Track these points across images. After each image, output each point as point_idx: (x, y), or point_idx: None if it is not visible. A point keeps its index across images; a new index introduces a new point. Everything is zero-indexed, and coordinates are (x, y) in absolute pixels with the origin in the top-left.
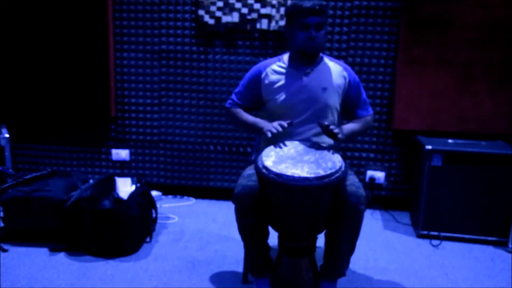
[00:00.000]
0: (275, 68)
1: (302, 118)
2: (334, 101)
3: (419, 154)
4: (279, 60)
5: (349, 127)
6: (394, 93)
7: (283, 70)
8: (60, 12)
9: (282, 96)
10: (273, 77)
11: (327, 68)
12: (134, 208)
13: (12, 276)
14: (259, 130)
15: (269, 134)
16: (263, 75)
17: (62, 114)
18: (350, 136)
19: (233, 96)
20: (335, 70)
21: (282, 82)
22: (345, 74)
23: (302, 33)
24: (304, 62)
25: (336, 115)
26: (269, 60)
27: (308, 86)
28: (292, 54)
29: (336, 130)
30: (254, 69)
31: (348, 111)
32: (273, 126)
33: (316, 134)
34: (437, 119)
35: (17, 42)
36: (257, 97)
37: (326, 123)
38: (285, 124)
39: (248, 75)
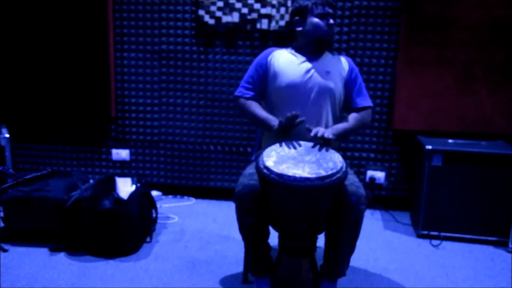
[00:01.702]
0: (282, 53)
1: (305, 101)
2: (337, 85)
3: (419, 154)
4: (287, 48)
5: (341, 126)
6: (394, 93)
7: (289, 55)
8: (60, 12)
9: (287, 78)
10: (278, 60)
11: (330, 57)
12: (134, 208)
13: (12, 276)
14: (270, 128)
15: (282, 121)
16: (270, 58)
17: (62, 114)
18: (342, 135)
19: (243, 82)
20: (338, 59)
21: (286, 65)
22: (346, 63)
23: (322, 21)
24: (320, 47)
25: (337, 100)
26: (276, 47)
27: (312, 69)
28: (300, 45)
29: (320, 134)
30: (263, 53)
31: (345, 100)
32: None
33: (318, 121)
34: (437, 119)
35: (17, 42)
36: (266, 78)
37: (312, 130)
38: (291, 114)
39: (257, 59)
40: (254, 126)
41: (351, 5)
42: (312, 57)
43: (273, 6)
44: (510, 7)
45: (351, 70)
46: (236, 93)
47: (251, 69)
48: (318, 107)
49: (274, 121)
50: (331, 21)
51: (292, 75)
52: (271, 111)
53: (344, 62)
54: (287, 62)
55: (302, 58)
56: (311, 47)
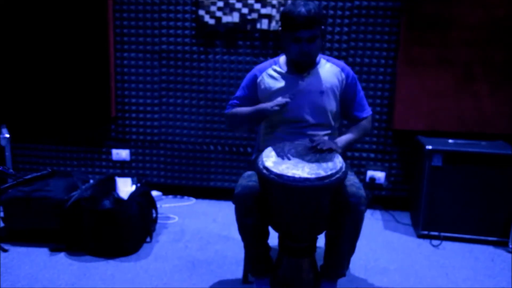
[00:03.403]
0: (271, 73)
1: (301, 123)
2: (332, 104)
3: (419, 154)
4: (275, 63)
5: (344, 138)
6: (394, 93)
7: (280, 75)
8: (60, 12)
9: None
10: (270, 81)
11: (324, 71)
12: (134, 208)
13: (12, 276)
14: (264, 112)
15: (277, 108)
16: (259, 80)
17: (62, 114)
18: (346, 146)
19: (232, 102)
20: (333, 71)
21: (279, 87)
22: (343, 75)
23: (294, 45)
24: (300, 68)
25: (334, 118)
26: (264, 64)
27: (305, 90)
28: (287, 59)
29: (325, 147)
30: (250, 74)
31: (344, 111)
32: (275, 103)
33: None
34: (437, 119)
35: (17, 42)
36: (256, 102)
37: (315, 143)
38: (283, 100)
39: (244, 80)
40: (253, 129)
41: (351, 5)
42: (303, 74)
43: (273, 6)
44: (510, 7)
45: (346, 83)
46: (226, 111)
47: (239, 91)
48: (313, 126)
49: (263, 105)
50: (305, 47)
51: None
52: (268, 127)
53: (339, 73)
54: (278, 85)
55: (293, 77)
56: (293, 66)
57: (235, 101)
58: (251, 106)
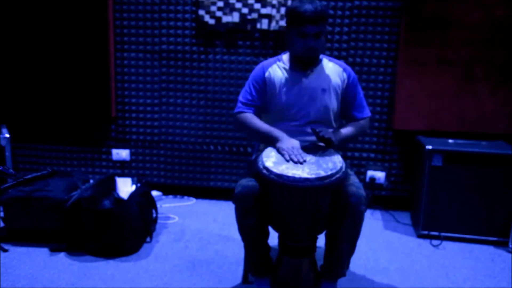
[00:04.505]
0: (275, 69)
1: (302, 120)
2: (333, 102)
3: (419, 154)
4: (279, 60)
5: (343, 132)
6: (394, 93)
7: (283, 71)
8: (60, 12)
9: (282, 98)
10: (274, 78)
11: (327, 69)
12: (134, 208)
13: (12, 276)
14: (274, 140)
15: (287, 157)
16: (267, 74)
17: (62, 114)
18: (344, 141)
19: (241, 99)
20: (335, 71)
21: (282, 83)
22: (345, 75)
23: (300, 41)
24: (304, 65)
25: (334, 116)
26: (269, 60)
27: (308, 87)
28: (291, 56)
29: (327, 136)
30: (257, 69)
31: (344, 111)
32: (293, 153)
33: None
34: (437, 119)
35: (17, 42)
36: (265, 94)
37: (318, 130)
38: (301, 159)
39: (252, 75)
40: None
41: (351, 5)
42: (306, 72)
43: (273, 6)
44: (510, 7)
45: (348, 82)
46: (236, 110)
47: (248, 86)
48: (314, 122)
49: (277, 132)
50: (311, 42)
51: (288, 96)
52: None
53: (341, 73)
54: (281, 82)
55: (296, 74)
56: (297, 63)
57: (246, 99)
58: (262, 100)
